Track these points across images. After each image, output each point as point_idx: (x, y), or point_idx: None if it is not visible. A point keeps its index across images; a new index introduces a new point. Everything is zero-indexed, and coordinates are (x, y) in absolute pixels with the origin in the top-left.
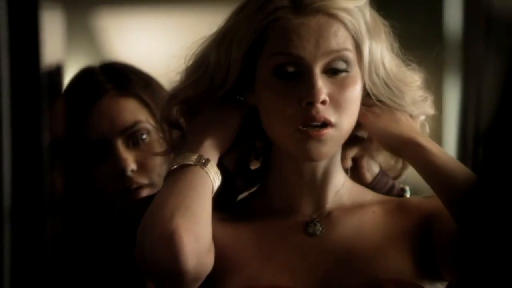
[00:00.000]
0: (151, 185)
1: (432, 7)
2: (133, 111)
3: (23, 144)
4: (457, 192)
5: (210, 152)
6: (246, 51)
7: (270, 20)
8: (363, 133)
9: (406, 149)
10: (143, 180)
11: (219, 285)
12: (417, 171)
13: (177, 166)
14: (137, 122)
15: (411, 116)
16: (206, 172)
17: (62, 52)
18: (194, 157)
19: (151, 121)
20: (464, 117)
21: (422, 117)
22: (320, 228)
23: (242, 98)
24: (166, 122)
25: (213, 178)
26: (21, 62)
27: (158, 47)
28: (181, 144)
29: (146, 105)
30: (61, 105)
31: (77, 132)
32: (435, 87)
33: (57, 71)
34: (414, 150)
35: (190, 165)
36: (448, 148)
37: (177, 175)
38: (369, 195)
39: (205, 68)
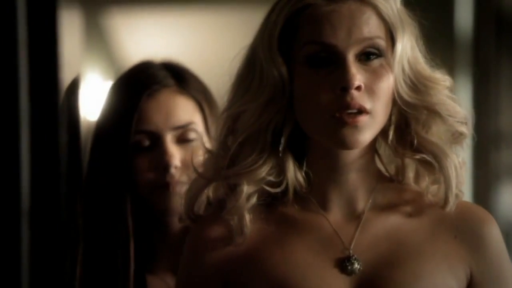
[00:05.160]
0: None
1: (443, 7)
2: (190, 111)
3: (41, 144)
4: None
5: None
6: (278, 40)
7: (300, 7)
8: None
9: None
10: (183, 178)
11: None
12: None
13: None
14: (190, 123)
15: (454, 135)
16: None
17: (80, 52)
18: None
19: (202, 126)
20: (476, 117)
21: (461, 133)
22: (358, 266)
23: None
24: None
25: None
26: (39, 62)
27: (171, 46)
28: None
29: (201, 109)
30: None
31: (128, 119)
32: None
33: (75, 71)
34: None
35: None
36: (460, 149)
37: None
38: (407, 194)
39: (251, 70)
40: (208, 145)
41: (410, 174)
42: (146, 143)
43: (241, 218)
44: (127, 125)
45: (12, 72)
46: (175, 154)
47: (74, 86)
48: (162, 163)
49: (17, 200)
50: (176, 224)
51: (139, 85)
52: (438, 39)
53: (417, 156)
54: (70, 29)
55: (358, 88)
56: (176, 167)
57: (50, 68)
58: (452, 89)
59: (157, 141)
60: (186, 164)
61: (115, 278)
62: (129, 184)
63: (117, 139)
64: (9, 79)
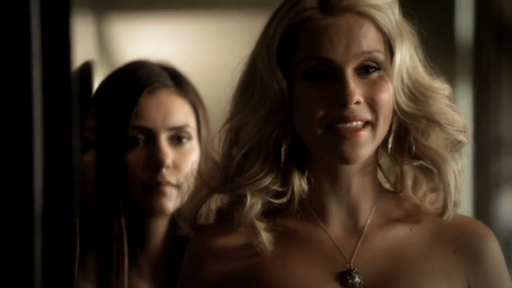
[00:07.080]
0: (177, 186)
1: (443, 13)
2: (186, 114)
3: (54, 149)
4: None
5: None
6: (277, 52)
7: (298, 21)
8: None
9: None
10: (172, 179)
11: None
12: None
13: None
14: (186, 125)
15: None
16: None
17: (92, 58)
18: None
19: (195, 130)
20: (476, 124)
21: (460, 141)
22: (359, 280)
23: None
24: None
25: None
26: (52, 68)
27: (171, 54)
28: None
29: (195, 113)
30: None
31: (126, 113)
32: None
33: (87, 77)
34: None
35: None
36: (460, 157)
37: None
38: (407, 206)
39: (250, 84)
40: (197, 150)
41: (409, 183)
42: (140, 139)
43: (253, 227)
44: (125, 119)
45: (26, 78)
46: (169, 153)
47: (86, 92)
48: (155, 161)
49: (30, 205)
50: (159, 229)
51: (140, 80)
52: (438, 47)
53: (416, 163)
54: (83, 35)
55: (357, 102)
56: (168, 167)
57: (63, 74)
58: (451, 98)
59: (151, 139)
60: (176, 166)
61: (110, 272)
62: (123, 178)
63: (113, 133)
64: (23, 85)
